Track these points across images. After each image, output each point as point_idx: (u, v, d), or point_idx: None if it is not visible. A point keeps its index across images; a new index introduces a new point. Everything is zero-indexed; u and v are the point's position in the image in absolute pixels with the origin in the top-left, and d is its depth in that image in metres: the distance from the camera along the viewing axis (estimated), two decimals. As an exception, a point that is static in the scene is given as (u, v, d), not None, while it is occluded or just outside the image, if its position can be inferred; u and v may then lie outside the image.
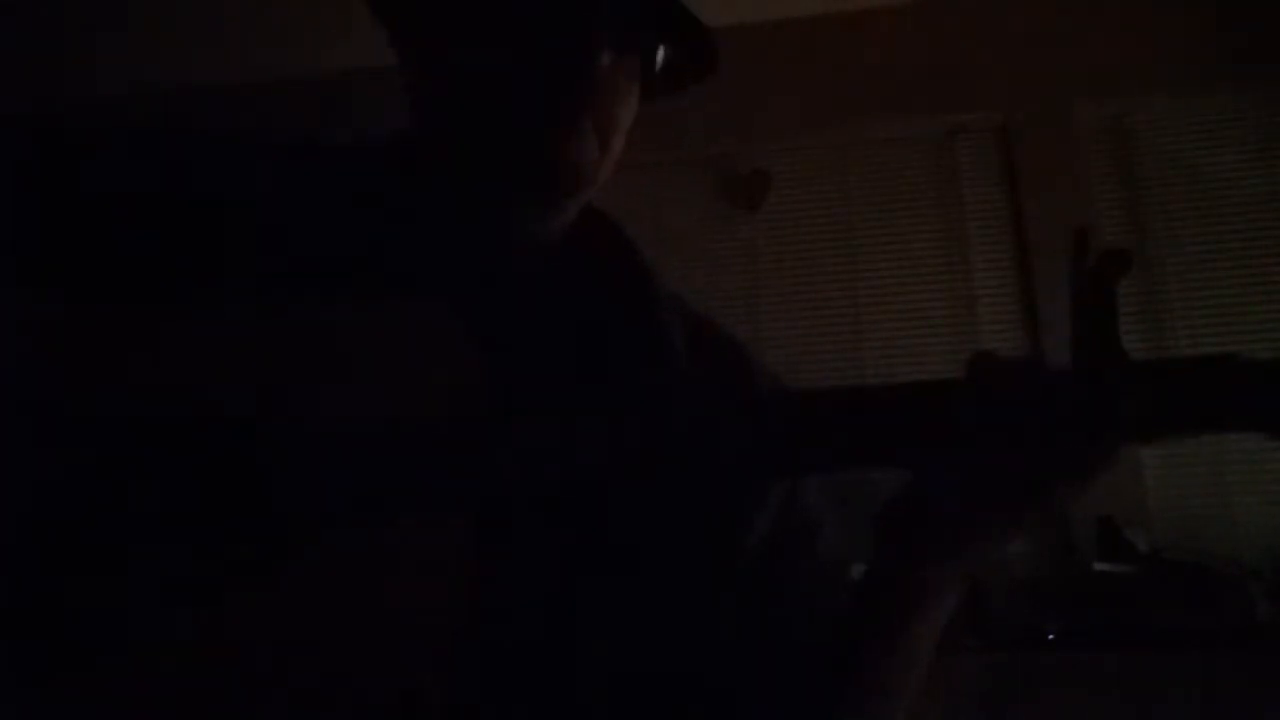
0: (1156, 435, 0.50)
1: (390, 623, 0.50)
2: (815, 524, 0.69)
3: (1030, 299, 2.57)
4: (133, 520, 0.50)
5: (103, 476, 0.51)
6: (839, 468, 0.54)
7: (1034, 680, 1.73)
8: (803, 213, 2.79)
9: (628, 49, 0.59)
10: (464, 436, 0.51)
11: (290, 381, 0.53)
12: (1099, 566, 1.99)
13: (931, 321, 2.63)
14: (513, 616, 0.56)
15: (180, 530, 0.50)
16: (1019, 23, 2.72)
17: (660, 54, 0.61)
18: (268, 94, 2.81)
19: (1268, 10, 2.53)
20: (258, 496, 0.50)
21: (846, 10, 2.79)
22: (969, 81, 2.72)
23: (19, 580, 0.49)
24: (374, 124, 0.66)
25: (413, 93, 0.62)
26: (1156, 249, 2.55)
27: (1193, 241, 2.55)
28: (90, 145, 0.62)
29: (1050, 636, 1.83)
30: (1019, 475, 0.50)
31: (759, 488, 0.66)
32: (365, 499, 0.51)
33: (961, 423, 0.50)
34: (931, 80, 2.73)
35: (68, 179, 0.61)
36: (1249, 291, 2.48)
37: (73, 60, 2.80)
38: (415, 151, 0.64)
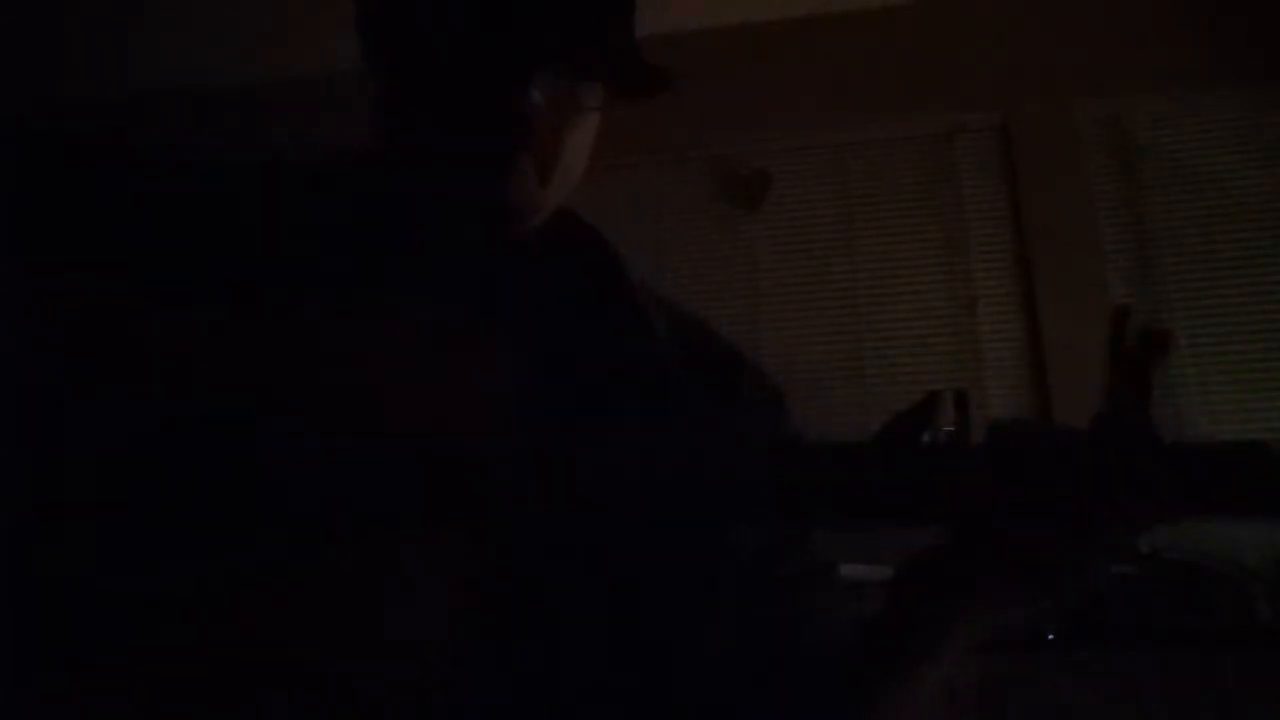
0: (1182, 517, 0.50)
1: (392, 630, 0.50)
2: (828, 564, 0.69)
3: (1030, 299, 2.56)
4: (135, 521, 0.50)
5: (106, 478, 0.51)
6: (859, 528, 0.54)
7: (1034, 680, 1.73)
8: (803, 213, 2.78)
9: (567, 86, 0.60)
10: (463, 443, 0.51)
11: (291, 386, 0.53)
12: (1099, 567, 1.98)
13: (931, 321, 2.62)
14: (513, 624, 0.56)
15: (183, 532, 0.51)
16: (1019, 23, 2.72)
17: (603, 85, 0.62)
18: (268, 94, 2.81)
19: (1268, 10, 2.52)
20: (261, 501, 0.51)
21: (846, 10, 2.78)
22: (969, 81, 2.71)
23: (21, 579, 0.49)
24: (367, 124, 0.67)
25: (380, 118, 0.65)
26: (1156, 249, 2.55)
27: (1193, 241, 2.54)
28: (91, 148, 0.63)
29: (1050, 636, 1.82)
30: (1041, 548, 0.49)
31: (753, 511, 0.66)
32: (364, 505, 0.51)
33: (984, 495, 0.49)
34: (931, 80, 2.73)
35: (69, 182, 0.61)
36: (1249, 292, 2.47)
37: (72, 61, 2.80)
38: (390, 164, 0.65)
